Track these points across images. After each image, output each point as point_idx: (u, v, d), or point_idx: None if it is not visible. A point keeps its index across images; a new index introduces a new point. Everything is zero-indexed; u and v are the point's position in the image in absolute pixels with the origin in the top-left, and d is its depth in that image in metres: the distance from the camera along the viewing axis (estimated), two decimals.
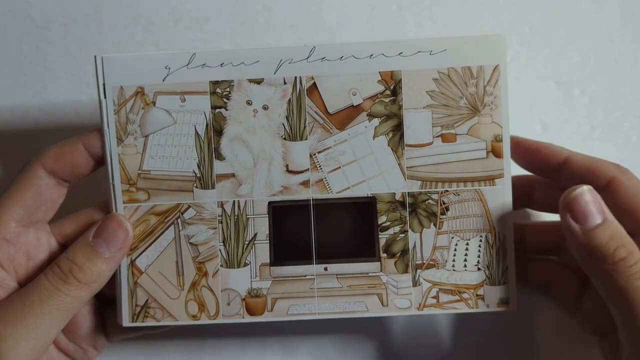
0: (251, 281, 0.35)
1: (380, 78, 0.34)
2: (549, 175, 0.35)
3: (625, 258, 0.31)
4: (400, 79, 0.34)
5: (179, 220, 0.35)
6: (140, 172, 0.34)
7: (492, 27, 0.42)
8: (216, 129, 0.34)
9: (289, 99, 0.34)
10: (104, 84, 0.34)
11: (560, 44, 0.42)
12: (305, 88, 0.34)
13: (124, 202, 0.34)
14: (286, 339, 0.40)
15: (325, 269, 0.34)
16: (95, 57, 0.34)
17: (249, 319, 0.34)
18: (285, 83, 0.34)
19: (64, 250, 0.33)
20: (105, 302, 0.37)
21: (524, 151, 0.35)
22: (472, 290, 0.34)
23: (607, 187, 0.33)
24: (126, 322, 0.35)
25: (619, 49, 0.42)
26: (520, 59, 0.42)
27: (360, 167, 0.34)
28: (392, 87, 0.34)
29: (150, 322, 0.35)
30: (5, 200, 0.34)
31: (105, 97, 0.34)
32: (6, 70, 0.42)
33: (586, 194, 0.32)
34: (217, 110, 0.34)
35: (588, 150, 0.40)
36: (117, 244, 0.33)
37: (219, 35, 0.42)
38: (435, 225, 0.34)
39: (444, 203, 0.34)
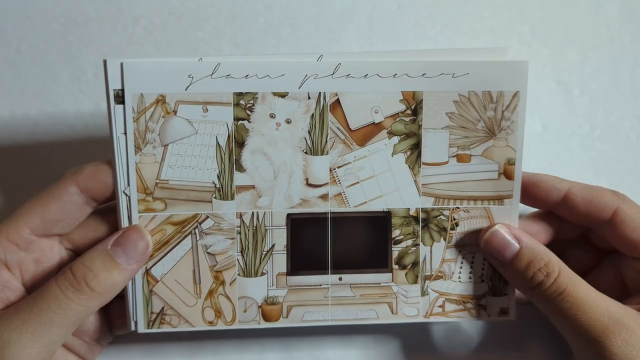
0: (268, 289, 0.35)
1: (402, 97, 0.34)
2: (550, 208, 0.36)
3: (542, 281, 0.33)
4: (422, 100, 0.34)
5: (196, 230, 0.35)
6: (158, 181, 0.34)
7: (492, 27, 0.43)
8: (238, 140, 0.34)
9: (312, 114, 0.34)
10: (122, 90, 0.33)
11: (560, 44, 0.43)
12: (329, 104, 0.34)
13: (139, 212, 0.34)
14: (286, 339, 0.42)
15: (340, 279, 0.36)
16: (105, 61, 0.32)
17: (265, 324, 0.36)
18: (309, 98, 0.34)
19: (79, 256, 0.33)
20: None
21: (522, 185, 0.35)
22: (475, 301, 0.37)
23: (612, 220, 0.35)
24: (142, 328, 0.35)
25: (619, 49, 0.43)
26: (520, 59, 0.42)
27: (377, 182, 0.35)
28: (413, 107, 0.34)
29: (166, 329, 0.35)
30: (28, 206, 0.33)
31: (123, 103, 0.33)
32: (6, 70, 0.41)
33: (499, 230, 0.35)
34: (240, 122, 0.34)
35: (588, 150, 0.42)
36: (137, 256, 0.33)
37: (219, 35, 0.42)
38: (445, 239, 0.36)
39: (454, 219, 0.36)
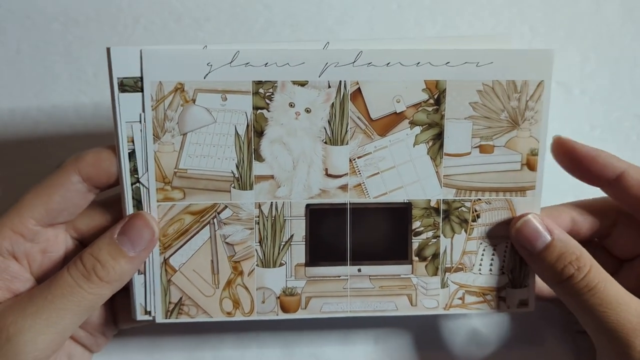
0: (286, 280, 0.35)
1: (425, 87, 0.34)
2: (599, 185, 0.35)
3: (572, 275, 0.33)
4: (445, 89, 0.34)
5: (215, 220, 0.34)
6: (176, 170, 0.34)
7: (492, 27, 0.42)
8: (257, 129, 0.34)
9: (333, 103, 0.34)
10: (142, 78, 0.32)
11: (560, 44, 0.43)
12: (350, 93, 0.34)
13: (158, 201, 0.34)
14: (286, 338, 0.41)
15: (359, 270, 0.35)
16: (108, 49, 0.32)
17: (283, 316, 0.35)
18: (329, 86, 0.33)
19: (89, 245, 0.33)
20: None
21: (578, 158, 0.34)
22: (495, 293, 0.36)
23: None
24: (160, 318, 0.35)
25: (619, 49, 0.43)
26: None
27: (398, 173, 0.35)
28: (436, 96, 0.34)
29: (184, 319, 0.35)
30: (31, 197, 0.33)
31: (141, 91, 0.32)
32: (6, 70, 0.41)
33: (531, 220, 0.34)
34: (259, 111, 0.33)
35: None
36: (143, 243, 0.33)
37: (219, 35, 0.42)
38: (466, 231, 0.35)
39: (475, 211, 0.35)
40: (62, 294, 0.31)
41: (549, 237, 0.34)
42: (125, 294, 0.35)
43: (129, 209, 0.34)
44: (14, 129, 0.41)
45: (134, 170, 0.33)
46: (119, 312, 0.37)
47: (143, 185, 0.33)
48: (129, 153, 0.33)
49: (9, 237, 0.32)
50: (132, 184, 0.33)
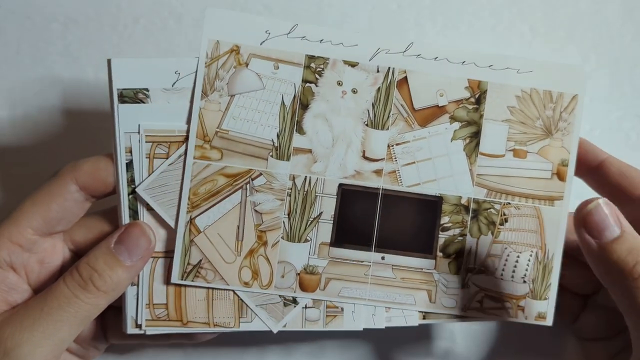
0: (309, 258, 0.35)
1: (467, 85, 0.35)
2: (583, 174, 0.36)
3: None
4: (486, 90, 0.35)
5: (248, 185, 0.34)
6: (218, 130, 0.34)
7: (492, 27, 0.43)
8: (303, 102, 0.34)
9: (379, 87, 0.35)
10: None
11: (560, 44, 0.43)
12: (397, 80, 0.35)
13: (194, 158, 0.34)
14: (286, 340, 0.40)
15: (383, 258, 0.35)
16: (109, 60, 0.33)
17: (301, 294, 0.34)
18: (378, 71, 0.35)
19: (85, 255, 0.32)
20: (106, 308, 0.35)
21: None
22: (514, 301, 0.36)
23: None
24: (175, 279, 0.34)
25: (619, 49, 0.43)
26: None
27: (433, 165, 0.35)
28: (477, 96, 0.35)
29: (200, 283, 0.34)
30: (28, 206, 0.33)
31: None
32: (6, 70, 0.41)
33: (602, 207, 0.31)
34: (307, 84, 0.34)
35: None
36: (139, 252, 0.32)
37: None
38: (492, 233, 0.36)
39: (504, 214, 0.36)
40: (58, 305, 0.31)
41: (618, 230, 0.31)
42: (114, 311, 0.35)
43: (125, 218, 0.34)
44: (13, 129, 0.41)
45: (131, 181, 0.34)
46: (108, 328, 0.36)
47: (139, 195, 0.34)
48: (126, 163, 0.34)
49: (7, 248, 0.32)
50: (128, 194, 0.34)
